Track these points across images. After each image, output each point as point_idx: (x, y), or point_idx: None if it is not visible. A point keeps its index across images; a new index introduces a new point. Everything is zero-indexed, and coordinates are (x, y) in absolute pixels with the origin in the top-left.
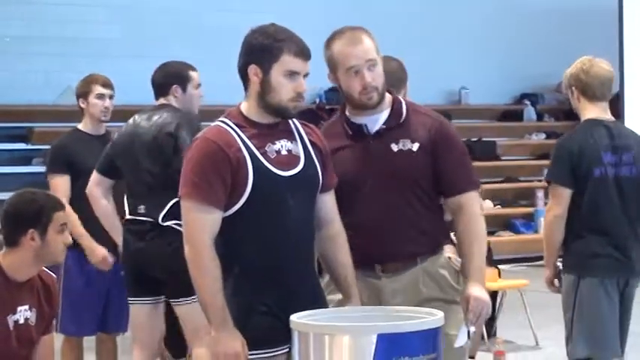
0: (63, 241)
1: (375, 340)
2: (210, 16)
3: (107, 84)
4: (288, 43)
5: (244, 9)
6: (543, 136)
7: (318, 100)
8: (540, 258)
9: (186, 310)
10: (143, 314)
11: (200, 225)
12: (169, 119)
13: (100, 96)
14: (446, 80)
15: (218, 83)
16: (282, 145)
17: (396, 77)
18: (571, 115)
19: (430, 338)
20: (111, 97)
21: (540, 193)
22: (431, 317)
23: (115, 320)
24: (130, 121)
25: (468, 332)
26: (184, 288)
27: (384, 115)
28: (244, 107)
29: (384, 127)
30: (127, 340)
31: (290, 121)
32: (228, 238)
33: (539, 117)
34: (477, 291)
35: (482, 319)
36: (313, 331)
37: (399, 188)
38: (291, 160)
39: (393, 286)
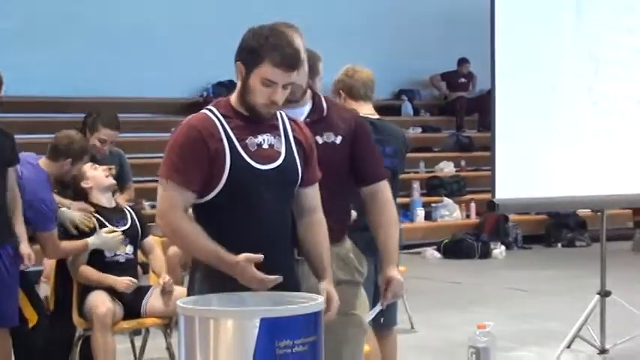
0: None
1: (258, 324)
2: (106, 11)
3: None
4: (272, 52)
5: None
6: (419, 130)
7: (205, 94)
8: (415, 246)
9: None
10: None
11: (173, 200)
12: None
13: None
14: (329, 76)
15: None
16: (265, 139)
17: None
18: (445, 110)
19: (311, 322)
20: None
21: (416, 185)
22: (311, 302)
23: None
24: None
25: (382, 310)
26: None
27: (306, 108)
28: (233, 98)
29: (308, 120)
30: None
31: (278, 116)
32: (204, 224)
33: (416, 112)
34: (396, 273)
35: (397, 298)
36: (198, 315)
37: (323, 178)
38: (271, 154)
39: (308, 269)
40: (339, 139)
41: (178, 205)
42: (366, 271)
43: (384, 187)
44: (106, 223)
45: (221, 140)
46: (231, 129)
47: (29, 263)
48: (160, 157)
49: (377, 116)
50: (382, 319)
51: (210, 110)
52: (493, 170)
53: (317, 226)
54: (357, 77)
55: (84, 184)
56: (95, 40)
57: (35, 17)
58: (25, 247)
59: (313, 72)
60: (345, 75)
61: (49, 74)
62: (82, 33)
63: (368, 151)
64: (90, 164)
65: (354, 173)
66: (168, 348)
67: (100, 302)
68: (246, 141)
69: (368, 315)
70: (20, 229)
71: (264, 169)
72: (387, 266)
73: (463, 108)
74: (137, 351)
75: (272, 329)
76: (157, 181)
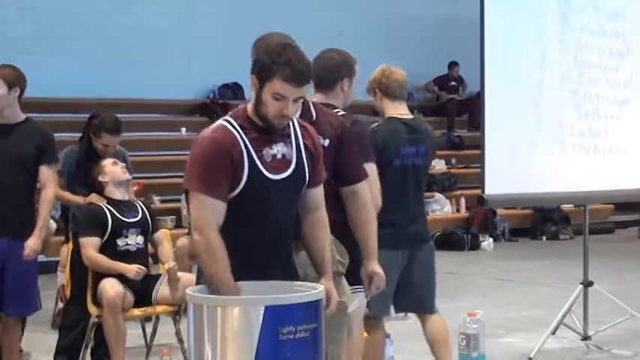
0: None
1: (262, 312)
2: (116, 17)
3: None
4: (283, 67)
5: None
6: None
7: (211, 95)
8: None
9: None
10: None
11: (208, 215)
12: None
13: None
14: None
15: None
16: (278, 150)
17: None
18: (437, 111)
19: (312, 309)
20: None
21: None
22: (313, 291)
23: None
24: None
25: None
26: None
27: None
28: (249, 108)
29: None
30: None
31: (290, 123)
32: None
33: (410, 112)
34: (378, 268)
35: (379, 290)
36: (207, 303)
37: None
38: (283, 164)
39: (297, 261)
40: (326, 142)
41: (213, 220)
42: (347, 262)
43: (363, 188)
44: (118, 215)
45: (241, 152)
46: (249, 140)
47: (30, 254)
48: (168, 155)
49: (411, 116)
50: (368, 310)
51: (229, 122)
52: (483, 167)
53: (320, 223)
54: (394, 78)
55: (101, 179)
56: (107, 45)
57: (51, 24)
58: (31, 239)
59: (350, 72)
60: (382, 75)
61: (64, 77)
62: (94, 39)
63: (350, 154)
64: (110, 160)
65: (335, 174)
66: (178, 334)
67: (110, 287)
68: (263, 152)
69: (351, 305)
70: (40, 224)
71: (277, 179)
72: (368, 261)
73: (454, 109)
74: (148, 337)
75: (276, 316)
76: (165, 177)
